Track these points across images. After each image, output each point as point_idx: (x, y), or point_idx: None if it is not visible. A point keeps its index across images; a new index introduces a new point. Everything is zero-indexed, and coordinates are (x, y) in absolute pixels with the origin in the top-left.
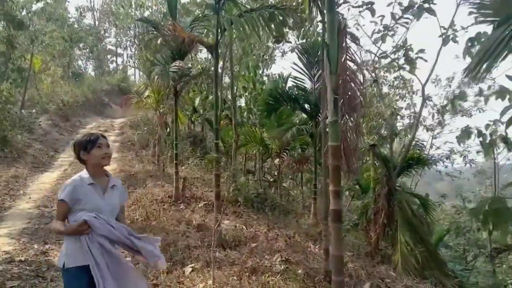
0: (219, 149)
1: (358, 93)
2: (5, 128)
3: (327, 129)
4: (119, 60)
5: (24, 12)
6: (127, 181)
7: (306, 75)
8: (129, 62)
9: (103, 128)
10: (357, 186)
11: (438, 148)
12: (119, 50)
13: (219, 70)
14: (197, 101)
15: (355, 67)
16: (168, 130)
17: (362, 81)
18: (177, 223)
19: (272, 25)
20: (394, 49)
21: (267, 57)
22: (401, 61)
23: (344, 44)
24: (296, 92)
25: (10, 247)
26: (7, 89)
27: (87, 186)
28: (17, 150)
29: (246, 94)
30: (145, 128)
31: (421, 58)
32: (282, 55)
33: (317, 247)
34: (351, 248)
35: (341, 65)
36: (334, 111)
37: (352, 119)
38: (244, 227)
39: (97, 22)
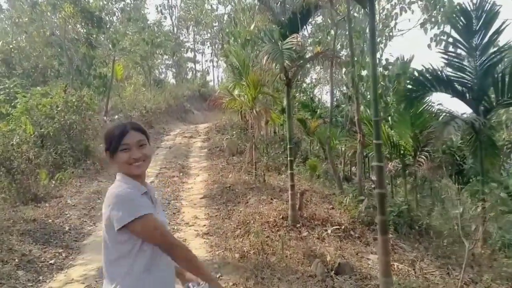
0: (381, 155)
1: None
2: (88, 138)
3: None
4: (198, 66)
5: (103, 14)
6: (224, 195)
7: (463, 48)
8: (211, 62)
9: (188, 134)
10: None
11: None
12: (198, 57)
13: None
14: (285, 101)
15: None
16: (262, 132)
17: None
18: (306, 260)
19: None
20: None
21: (385, 37)
22: None
23: None
24: (450, 73)
25: None
26: (88, 95)
27: (143, 197)
28: (100, 161)
29: (362, 83)
30: (234, 133)
31: None
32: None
33: None
34: None
35: None
36: None
37: None
38: (410, 269)
39: (175, 29)
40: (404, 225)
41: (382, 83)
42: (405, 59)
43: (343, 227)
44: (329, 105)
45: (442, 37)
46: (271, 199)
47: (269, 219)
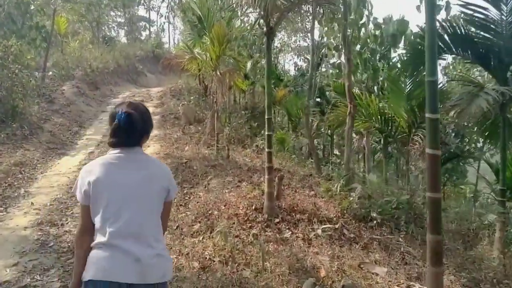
0: (437, 138)
1: None
2: (16, 96)
3: None
4: (152, 28)
5: None
6: (179, 174)
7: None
8: (167, 18)
9: (138, 98)
10: None
11: None
12: (153, 17)
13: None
14: (248, 65)
15: None
16: (224, 99)
17: None
18: (293, 277)
19: None
20: None
21: None
22: None
23: None
24: (473, 32)
25: None
26: (15, 45)
27: None
28: (30, 124)
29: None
30: (191, 98)
31: None
32: None
33: None
34: None
35: None
36: None
37: None
38: None
39: None
40: (411, 222)
41: (370, 45)
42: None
43: (337, 225)
44: (292, 73)
45: None
46: (239, 181)
47: (238, 211)
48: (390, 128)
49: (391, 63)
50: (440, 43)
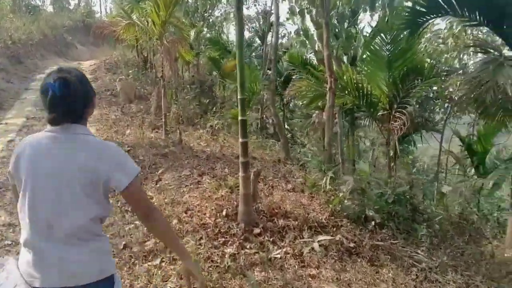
0: None
1: None
2: None
3: None
4: None
5: None
6: None
7: None
8: None
9: None
10: None
11: None
12: None
13: None
14: (192, 35)
15: None
16: (170, 73)
17: None
18: None
19: None
20: None
21: None
22: None
23: None
24: None
25: None
26: None
27: None
28: None
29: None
30: (130, 72)
31: None
32: None
33: None
34: None
35: None
36: None
37: None
38: None
39: None
40: (422, 222)
41: (339, 9)
42: None
43: (337, 237)
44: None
45: None
46: (199, 175)
47: (205, 220)
48: (369, 103)
49: (358, 28)
50: (440, 1)
